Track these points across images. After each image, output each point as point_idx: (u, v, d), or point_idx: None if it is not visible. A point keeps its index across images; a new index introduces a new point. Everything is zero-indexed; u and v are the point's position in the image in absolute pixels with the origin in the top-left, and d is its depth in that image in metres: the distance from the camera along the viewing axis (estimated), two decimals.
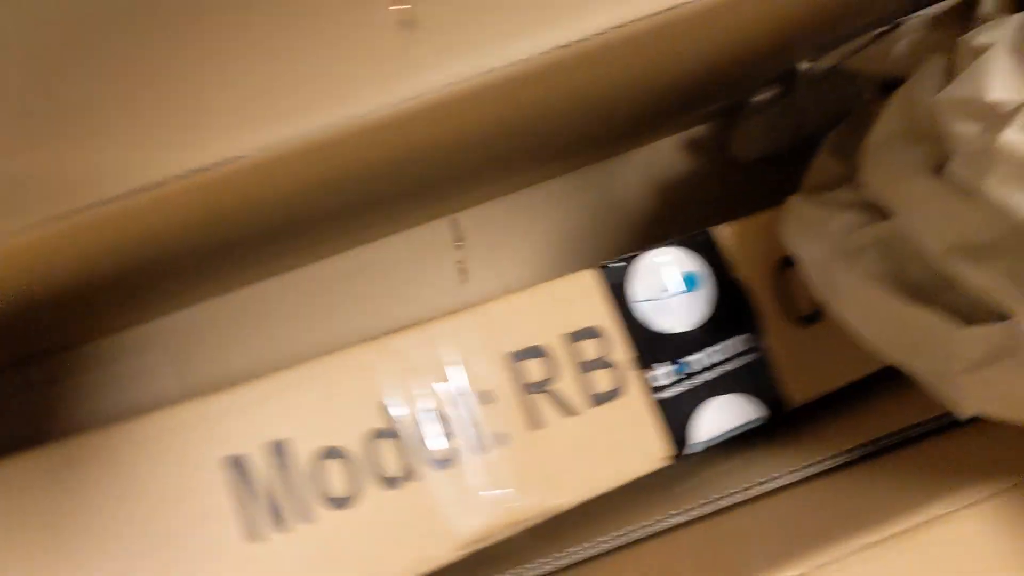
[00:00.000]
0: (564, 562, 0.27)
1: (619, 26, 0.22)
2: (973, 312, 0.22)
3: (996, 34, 0.22)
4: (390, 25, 0.21)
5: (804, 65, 0.35)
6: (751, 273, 0.29)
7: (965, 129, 0.21)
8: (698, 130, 0.45)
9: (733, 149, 0.42)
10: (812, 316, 0.30)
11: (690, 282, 0.29)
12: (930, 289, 0.23)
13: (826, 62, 0.33)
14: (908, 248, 0.24)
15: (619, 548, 0.27)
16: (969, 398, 0.23)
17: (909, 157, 0.23)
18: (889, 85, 0.31)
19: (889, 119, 0.25)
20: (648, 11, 0.22)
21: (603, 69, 0.24)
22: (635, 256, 0.29)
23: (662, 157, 0.44)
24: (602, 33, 0.21)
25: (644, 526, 0.27)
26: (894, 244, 0.24)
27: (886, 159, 0.24)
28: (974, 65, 0.21)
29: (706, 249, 0.29)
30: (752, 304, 0.29)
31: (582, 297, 0.28)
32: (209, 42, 0.20)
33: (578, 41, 0.21)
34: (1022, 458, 0.25)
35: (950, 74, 0.23)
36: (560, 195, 0.44)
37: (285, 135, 0.20)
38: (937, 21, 0.28)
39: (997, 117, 0.20)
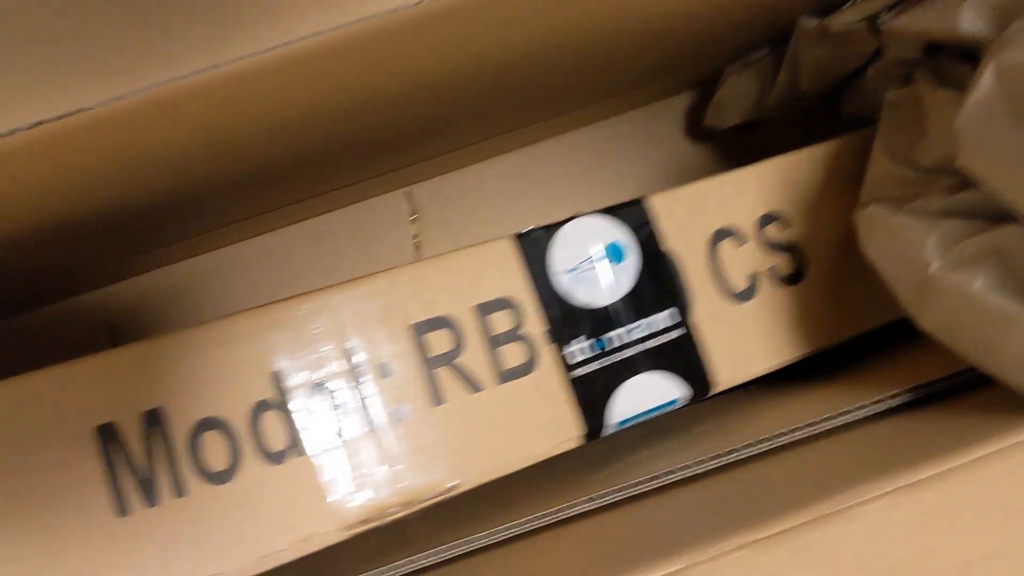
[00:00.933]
0: (460, 550, 0.25)
1: None
2: None
3: None
4: None
5: (809, 21, 0.32)
6: (682, 245, 0.28)
7: None
8: (671, 101, 0.43)
9: (707, 118, 0.40)
10: (745, 293, 0.28)
11: (615, 253, 0.27)
12: None
13: (845, 18, 0.30)
14: None
15: (522, 536, 0.25)
16: None
17: None
18: (933, 49, 0.28)
19: (985, 93, 0.22)
20: None
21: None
22: (557, 224, 0.27)
23: (630, 127, 0.43)
24: None
25: (550, 514, 0.25)
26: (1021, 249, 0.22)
27: (993, 144, 0.21)
28: None
29: (635, 219, 0.27)
30: (681, 278, 0.27)
31: (497, 266, 0.26)
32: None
33: None
34: None
35: None
36: (518, 168, 0.42)
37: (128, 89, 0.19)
38: None
39: None
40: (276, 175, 0.31)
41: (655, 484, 0.25)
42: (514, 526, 0.25)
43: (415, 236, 0.42)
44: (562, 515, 0.25)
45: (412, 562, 0.25)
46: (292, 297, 0.25)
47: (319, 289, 0.25)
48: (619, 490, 0.25)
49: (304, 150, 0.28)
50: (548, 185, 0.42)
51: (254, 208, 0.37)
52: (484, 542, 0.25)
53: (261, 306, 0.25)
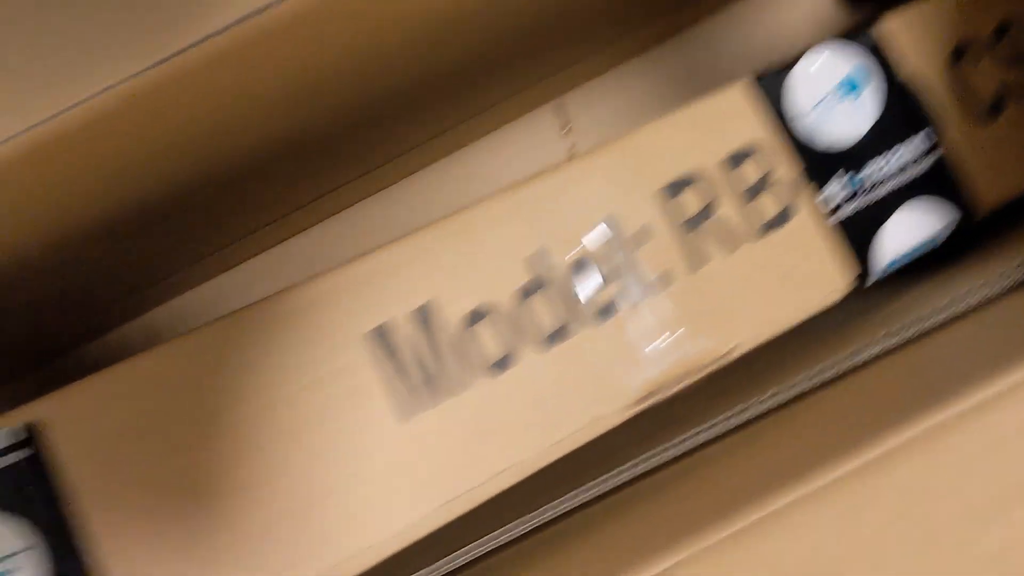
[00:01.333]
0: (745, 416, 0.24)
1: None
2: None
3: None
4: None
5: None
6: (921, 67, 0.26)
7: None
8: None
9: None
10: (995, 106, 0.26)
11: (852, 86, 0.25)
12: None
13: None
14: None
15: (805, 394, 0.24)
16: None
17: None
18: None
19: None
20: None
21: None
22: (791, 62, 0.25)
23: (772, 6, 0.40)
24: None
25: (829, 367, 0.24)
26: None
27: None
28: None
29: (867, 46, 0.25)
30: (926, 101, 0.25)
31: (735, 115, 0.25)
32: None
33: None
34: None
35: None
36: (668, 61, 0.40)
37: None
38: None
39: None
40: (417, 101, 0.30)
41: (946, 315, 0.23)
42: (799, 383, 0.24)
43: (571, 148, 0.40)
44: (850, 363, 0.24)
45: (696, 434, 0.24)
46: (532, 177, 0.23)
47: (561, 164, 0.24)
48: (916, 321, 0.23)
49: (442, 61, 0.27)
50: (699, 73, 0.40)
51: (397, 148, 0.35)
52: (769, 404, 0.24)
53: (507, 188, 0.23)
